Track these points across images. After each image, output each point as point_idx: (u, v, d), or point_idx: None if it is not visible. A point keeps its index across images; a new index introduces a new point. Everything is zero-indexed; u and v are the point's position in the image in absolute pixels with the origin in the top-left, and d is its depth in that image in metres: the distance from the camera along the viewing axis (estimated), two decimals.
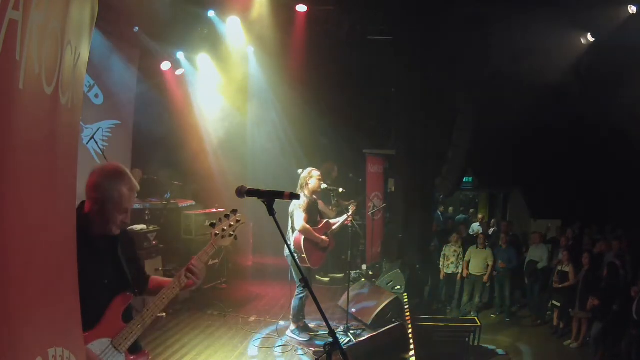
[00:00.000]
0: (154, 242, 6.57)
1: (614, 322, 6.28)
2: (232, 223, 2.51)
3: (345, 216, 5.82)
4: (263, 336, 5.83)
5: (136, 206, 6.88)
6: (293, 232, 5.49)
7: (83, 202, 2.17)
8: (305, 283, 2.18)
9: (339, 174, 8.71)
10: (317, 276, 8.26)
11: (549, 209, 10.60)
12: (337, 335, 2.11)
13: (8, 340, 1.10)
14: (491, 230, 10.92)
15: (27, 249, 1.21)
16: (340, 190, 5.97)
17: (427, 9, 8.04)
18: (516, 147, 9.86)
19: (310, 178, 5.55)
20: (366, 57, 9.38)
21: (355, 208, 6.05)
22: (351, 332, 5.91)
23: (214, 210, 8.31)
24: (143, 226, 6.38)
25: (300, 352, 5.41)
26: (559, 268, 7.60)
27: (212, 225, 2.48)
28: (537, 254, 8.41)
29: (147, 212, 7.37)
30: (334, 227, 5.75)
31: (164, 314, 2.00)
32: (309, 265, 5.45)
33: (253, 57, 9.52)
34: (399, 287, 7.84)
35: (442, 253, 9.02)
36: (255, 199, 2.13)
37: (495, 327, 7.99)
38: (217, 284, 7.87)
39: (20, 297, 1.17)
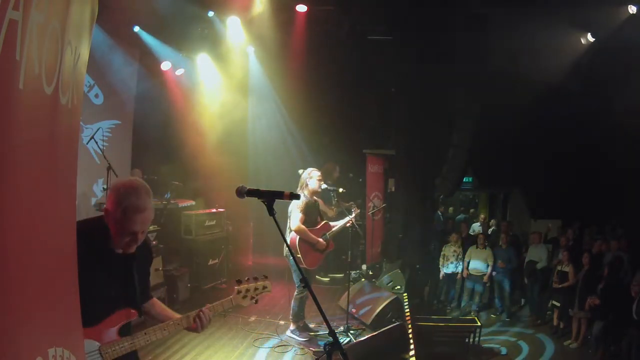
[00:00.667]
0: (154, 242, 6.58)
1: (614, 322, 6.28)
2: (258, 288, 2.53)
3: (347, 219, 5.80)
4: (263, 336, 5.83)
5: None
6: (290, 232, 5.49)
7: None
8: (305, 283, 2.18)
9: (339, 174, 8.71)
10: (317, 276, 8.27)
11: (549, 209, 10.60)
12: (337, 335, 2.11)
13: (8, 340, 1.10)
14: (491, 230, 10.92)
15: (27, 249, 1.21)
16: (340, 190, 5.97)
17: (427, 8, 8.03)
18: (516, 147, 9.86)
19: (310, 179, 5.55)
20: (366, 57, 9.38)
21: (358, 211, 6.04)
22: (351, 332, 5.91)
23: (214, 210, 8.32)
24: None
25: (300, 352, 5.41)
26: (559, 268, 7.60)
27: (239, 282, 2.49)
28: (537, 254, 8.41)
29: None
30: (333, 229, 5.74)
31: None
32: (304, 265, 5.46)
33: (253, 57, 9.53)
34: (399, 287, 7.85)
35: (442, 253, 9.02)
36: (255, 198, 2.13)
37: (495, 327, 7.99)
38: (217, 284, 7.88)
39: (20, 297, 1.17)
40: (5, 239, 1.10)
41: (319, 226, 5.63)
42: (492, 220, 12.13)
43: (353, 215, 5.83)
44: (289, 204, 5.48)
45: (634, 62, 7.68)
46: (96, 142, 6.91)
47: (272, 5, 8.04)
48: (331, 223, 5.83)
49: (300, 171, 5.79)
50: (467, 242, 9.11)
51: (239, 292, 2.46)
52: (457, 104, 9.56)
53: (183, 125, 9.13)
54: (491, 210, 14.32)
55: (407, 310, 6.69)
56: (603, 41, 7.92)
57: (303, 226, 5.39)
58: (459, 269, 8.81)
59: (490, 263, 8.51)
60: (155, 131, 8.54)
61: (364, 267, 9.51)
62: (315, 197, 5.69)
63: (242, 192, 2.17)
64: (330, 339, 2.05)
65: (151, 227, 6.62)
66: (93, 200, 7.44)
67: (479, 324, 6.86)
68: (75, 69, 1.55)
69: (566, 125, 9.24)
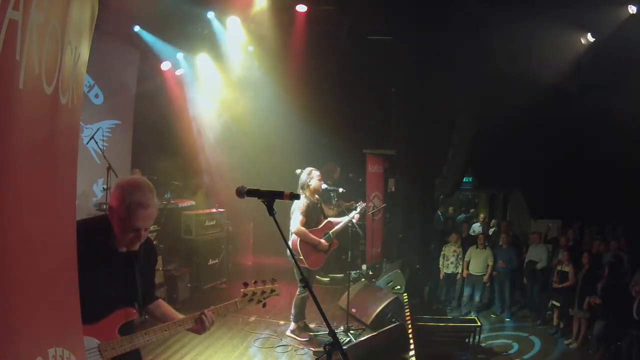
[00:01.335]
0: (154, 242, 6.56)
1: (615, 322, 6.28)
2: (266, 291, 2.47)
3: (352, 214, 5.77)
4: (263, 336, 5.83)
5: None
6: (291, 233, 5.48)
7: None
8: (305, 283, 2.18)
9: (339, 174, 8.71)
10: (317, 276, 8.27)
11: (549, 209, 10.60)
12: (337, 335, 2.11)
13: (8, 340, 1.10)
14: (491, 230, 10.92)
15: (27, 249, 1.21)
16: (340, 190, 5.96)
17: (427, 9, 8.03)
18: (516, 147, 9.86)
19: (311, 178, 5.54)
20: (366, 57, 9.38)
21: (364, 205, 6.04)
22: (351, 332, 5.91)
23: (214, 210, 8.32)
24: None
25: (300, 352, 5.41)
26: (559, 268, 7.61)
27: (245, 284, 2.44)
28: (537, 254, 8.41)
29: None
30: (336, 227, 5.72)
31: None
32: (307, 266, 5.45)
33: (253, 56, 9.53)
34: (399, 287, 7.84)
35: (442, 253, 9.02)
36: (255, 198, 2.12)
37: (495, 327, 8.00)
38: (217, 284, 7.88)
39: (20, 297, 1.17)
40: (5, 239, 1.10)
41: (321, 225, 5.61)
42: (492, 221, 12.13)
43: (358, 210, 5.81)
44: (290, 204, 5.46)
45: (634, 62, 7.68)
46: (96, 142, 6.91)
47: (272, 5, 8.04)
48: (334, 220, 5.80)
49: (298, 171, 5.76)
50: (467, 242, 9.11)
51: (245, 295, 2.42)
52: (457, 104, 9.56)
53: (183, 125, 9.14)
54: (491, 210, 14.32)
55: (407, 310, 6.69)
56: (603, 41, 7.92)
57: (303, 228, 5.37)
58: (459, 269, 8.81)
59: (491, 263, 8.51)
60: (155, 131, 8.55)
61: (364, 267, 9.50)
62: (316, 197, 5.68)
63: (242, 192, 2.16)
64: (330, 339, 2.05)
65: (151, 227, 6.59)
66: (93, 200, 7.44)
67: (479, 324, 6.86)
68: (75, 69, 1.55)
69: (566, 125, 9.24)
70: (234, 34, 8.72)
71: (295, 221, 5.36)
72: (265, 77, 9.71)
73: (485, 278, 8.56)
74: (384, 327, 5.64)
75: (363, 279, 8.31)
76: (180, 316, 2.35)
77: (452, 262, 8.85)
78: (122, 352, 2.05)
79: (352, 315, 6.39)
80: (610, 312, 6.38)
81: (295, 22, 8.46)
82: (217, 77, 9.50)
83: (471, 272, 8.66)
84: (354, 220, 5.75)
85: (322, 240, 5.52)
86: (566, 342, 7.18)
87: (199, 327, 2.29)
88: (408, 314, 6.54)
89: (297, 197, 2.17)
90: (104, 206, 1.77)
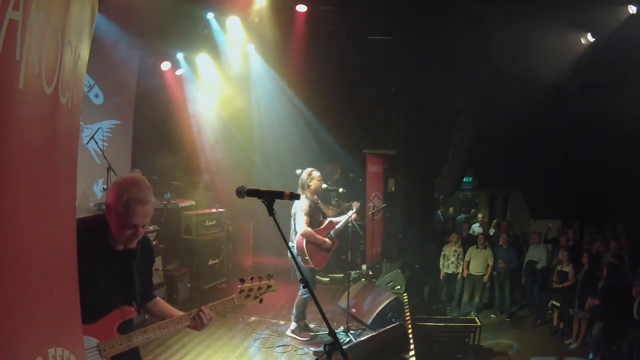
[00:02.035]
0: (154, 242, 6.57)
1: (615, 322, 6.28)
2: (262, 287, 2.47)
3: (349, 214, 5.79)
4: (263, 336, 5.83)
5: None
6: (295, 234, 5.48)
7: None
8: (305, 283, 2.18)
9: (339, 175, 8.71)
10: (317, 276, 8.26)
11: (549, 209, 10.60)
12: (337, 335, 2.11)
13: (8, 340, 1.10)
14: (491, 231, 10.92)
15: (27, 249, 1.21)
16: (340, 190, 5.97)
17: (427, 9, 8.03)
18: (516, 147, 9.86)
19: (312, 179, 5.54)
20: (366, 57, 9.38)
21: (359, 204, 6.05)
22: (351, 332, 5.91)
23: (214, 210, 8.32)
24: (147, 225, 6.38)
25: (300, 352, 5.41)
26: (559, 268, 7.61)
27: (242, 280, 2.45)
28: (537, 254, 8.41)
29: None
30: (337, 226, 5.74)
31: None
32: (312, 266, 5.45)
33: (253, 56, 9.52)
34: (399, 287, 7.85)
35: (442, 253, 9.03)
36: (255, 198, 2.13)
37: (495, 327, 8.00)
38: (217, 284, 7.88)
39: (21, 297, 1.17)
40: (5, 239, 1.10)
41: (323, 225, 5.62)
42: (493, 221, 12.13)
43: (354, 210, 5.83)
44: (290, 204, 5.46)
45: (634, 62, 7.68)
46: (96, 142, 6.90)
47: (272, 5, 8.04)
48: (334, 220, 5.82)
49: (299, 171, 5.77)
50: (467, 242, 9.12)
51: (241, 291, 2.43)
52: (457, 104, 9.56)
53: (183, 125, 9.14)
54: (491, 210, 14.32)
55: (407, 310, 6.69)
56: (603, 41, 7.92)
57: (309, 229, 5.37)
58: (460, 269, 8.81)
59: (491, 263, 8.52)
60: (155, 131, 8.54)
61: (364, 267, 9.51)
62: (316, 197, 5.69)
63: (242, 192, 2.17)
64: (330, 339, 2.05)
65: (151, 227, 6.62)
66: (93, 201, 7.43)
67: (479, 324, 6.87)
68: (75, 69, 1.55)
69: (566, 125, 9.25)
70: (234, 34, 8.72)
71: (301, 222, 5.36)
72: (265, 77, 9.71)
73: (485, 278, 8.56)
74: (384, 327, 5.64)
75: (363, 279, 8.31)
76: (180, 313, 2.35)
77: (452, 262, 8.85)
78: (121, 351, 2.05)
79: (352, 315, 6.39)
80: (610, 312, 6.38)
81: (295, 22, 8.46)
82: (217, 77, 9.49)
83: (471, 272, 8.66)
84: (349, 224, 5.77)
85: (327, 240, 5.54)
86: (566, 342, 7.18)
87: (197, 324, 2.30)
88: (408, 314, 6.55)
89: (297, 197, 2.17)
90: (104, 206, 1.77)
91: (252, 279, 2.47)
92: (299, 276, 5.26)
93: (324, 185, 5.66)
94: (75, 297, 1.61)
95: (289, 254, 5.32)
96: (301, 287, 5.53)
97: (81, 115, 1.69)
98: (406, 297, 7.34)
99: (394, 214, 10.31)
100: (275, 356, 5.32)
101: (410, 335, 5.60)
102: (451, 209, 15.21)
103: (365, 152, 10.19)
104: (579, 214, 9.63)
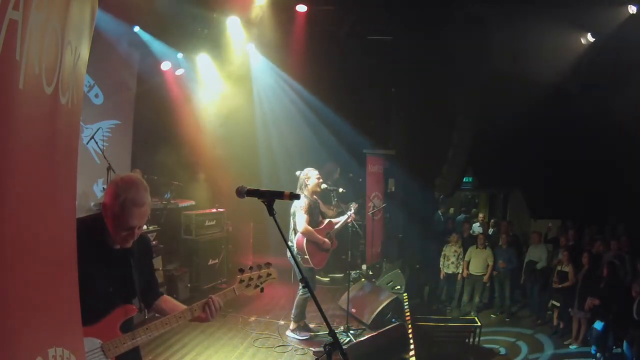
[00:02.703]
0: (154, 242, 6.57)
1: (615, 322, 6.28)
2: (262, 275, 2.45)
3: (347, 215, 5.81)
4: (263, 336, 5.83)
5: None
6: (295, 233, 5.49)
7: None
8: (305, 283, 2.18)
9: (339, 174, 8.70)
10: (317, 276, 8.26)
11: (549, 209, 10.60)
12: (337, 335, 2.11)
13: (8, 340, 1.10)
14: (491, 230, 10.92)
15: (27, 249, 1.21)
16: (340, 190, 5.97)
17: (427, 9, 8.03)
18: (516, 147, 9.87)
19: (309, 178, 5.55)
20: (366, 57, 9.38)
21: (357, 205, 6.05)
22: (351, 332, 5.91)
23: (214, 210, 8.32)
24: (143, 226, 6.38)
25: (300, 352, 5.41)
26: (559, 268, 7.61)
27: (241, 271, 2.43)
28: (537, 254, 8.41)
29: None
30: (336, 227, 5.75)
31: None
32: (312, 265, 5.46)
33: (253, 56, 9.52)
34: (399, 287, 7.85)
35: (442, 253, 9.03)
36: (255, 198, 2.13)
37: (495, 327, 8.00)
38: (217, 284, 7.88)
39: (21, 297, 1.17)
40: (5, 239, 1.10)
41: (322, 225, 5.62)
42: (492, 220, 12.12)
43: (352, 210, 5.83)
44: (290, 204, 5.47)
45: (634, 62, 7.68)
46: (96, 142, 6.90)
47: (272, 5, 8.03)
48: (333, 220, 5.84)
49: (298, 172, 5.78)
50: (468, 242, 9.12)
51: (241, 281, 2.40)
52: (457, 103, 9.56)
53: (183, 125, 9.13)
54: (491, 210, 14.31)
55: (407, 310, 6.69)
56: (603, 41, 7.91)
57: (309, 227, 5.38)
58: (460, 269, 8.81)
59: (491, 263, 8.52)
60: (155, 131, 8.54)
61: (364, 267, 9.50)
62: (315, 197, 5.69)
63: (242, 192, 2.17)
64: (330, 339, 2.05)
65: (151, 227, 6.62)
66: (93, 201, 7.43)
67: (479, 324, 6.87)
68: (75, 69, 1.55)
69: (566, 124, 9.24)
70: (234, 34, 8.71)
71: (301, 221, 5.37)
72: (265, 77, 9.71)
73: (485, 278, 8.56)
74: (384, 327, 5.64)
75: (363, 279, 8.31)
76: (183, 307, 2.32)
77: (452, 262, 8.85)
78: (125, 350, 2.05)
79: (352, 315, 6.39)
80: (610, 312, 6.38)
81: (295, 22, 8.45)
82: (217, 77, 9.49)
83: (471, 272, 8.66)
84: (349, 224, 5.77)
85: (327, 239, 5.54)
86: (566, 342, 7.18)
87: (207, 315, 2.25)
88: (408, 314, 6.55)
89: (297, 197, 2.17)
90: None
91: (251, 268, 2.45)
92: (298, 276, 5.29)
93: (324, 185, 5.66)
94: (75, 297, 1.61)
95: (288, 253, 5.36)
96: (301, 286, 5.54)
97: (81, 115, 1.69)
98: (406, 297, 7.34)
99: (394, 214, 10.31)
100: (275, 356, 5.32)
101: (410, 335, 5.61)
102: (451, 209, 15.21)
103: (365, 152, 10.19)
104: (579, 214, 9.63)
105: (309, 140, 9.95)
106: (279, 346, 5.54)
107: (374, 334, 5.42)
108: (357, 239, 8.62)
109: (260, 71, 9.66)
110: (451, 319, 8.10)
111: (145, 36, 8.10)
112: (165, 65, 8.86)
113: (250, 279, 2.42)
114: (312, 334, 5.83)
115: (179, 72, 9.23)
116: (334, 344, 2.04)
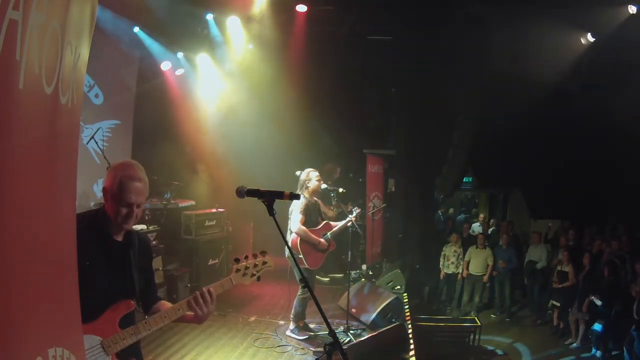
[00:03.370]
0: (154, 242, 6.57)
1: (615, 322, 6.28)
2: (258, 264, 2.44)
3: (348, 218, 5.80)
4: (263, 336, 5.83)
5: None
6: (290, 233, 5.49)
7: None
8: (305, 283, 2.18)
9: (339, 175, 8.70)
10: (317, 276, 8.27)
11: (549, 209, 10.60)
12: (337, 335, 2.11)
13: (8, 340, 1.10)
14: (491, 230, 10.92)
15: (27, 249, 1.21)
16: (340, 190, 5.97)
17: (427, 9, 8.03)
18: (516, 147, 9.86)
19: (310, 180, 5.55)
20: (366, 57, 9.38)
21: (359, 210, 6.04)
22: (351, 332, 5.91)
23: (214, 210, 8.31)
24: (143, 226, 6.39)
25: (300, 352, 5.41)
26: (559, 268, 7.61)
27: (237, 260, 2.41)
28: (537, 254, 8.41)
29: (147, 212, 7.37)
30: (334, 229, 5.74)
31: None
32: (306, 266, 5.46)
33: (253, 56, 9.52)
34: (399, 287, 7.85)
35: (442, 253, 9.03)
36: (255, 198, 2.13)
37: (495, 327, 8.00)
38: None
39: (21, 296, 1.17)
40: (5, 239, 1.10)
41: (319, 226, 5.63)
42: (492, 220, 12.12)
43: (354, 214, 5.83)
44: (290, 204, 5.48)
45: (634, 62, 7.68)
46: (96, 142, 6.90)
47: (272, 5, 8.03)
48: (332, 223, 5.83)
49: (298, 172, 5.78)
50: (468, 242, 9.12)
51: (237, 270, 2.39)
52: (457, 103, 9.56)
53: (183, 125, 9.13)
54: (491, 210, 14.31)
55: (407, 310, 6.69)
56: (603, 41, 7.92)
57: (303, 227, 5.39)
58: (460, 269, 8.81)
59: (490, 263, 8.52)
60: (155, 131, 8.53)
61: (364, 267, 9.50)
62: (315, 198, 5.69)
63: (242, 192, 2.17)
64: (330, 339, 2.05)
65: (151, 227, 6.62)
66: (93, 201, 7.43)
67: (479, 324, 6.87)
68: (75, 69, 1.55)
69: (566, 124, 9.24)
70: (234, 34, 8.71)
71: (296, 220, 5.38)
72: (265, 78, 9.70)
73: (485, 278, 8.56)
74: (384, 327, 5.64)
75: (363, 279, 8.31)
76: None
77: (452, 262, 8.85)
78: (125, 345, 2.05)
79: (352, 315, 6.39)
80: (609, 312, 6.38)
81: (295, 22, 8.45)
82: (217, 77, 9.49)
83: (471, 272, 8.66)
84: (349, 225, 5.77)
85: (322, 240, 5.53)
86: (566, 342, 7.18)
87: (196, 309, 2.21)
88: (408, 314, 6.54)
89: (297, 197, 2.18)
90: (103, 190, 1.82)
91: (246, 257, 2.44)
92: (298, 276, 5.29)
93: (324, 185, 5.66)
94: (76, 296, 1.61)
95: (287, 253, 5.37)
96: (300, 287, 5.54)
97: (81, 115, 1.69)
98: (406, 297, 7.34)
99: (394, 214, 10.31)
100: (275, 356, 5.32)
101: (410, 335, 5.60)
102: (451, 209, 15.22)
103: (365, 152, 10.18)
104: (579, 214, 9.63)
105: (309, 140, 9.95)
106: (279, 346, 5.54)
107: (374, 334, 5.42)
108: (357, 239, 8.62)
109: (259, 72, 9.65)
110: (451, 319, 8.09)
111: (145, 36, 8.10)
112: (165, 65, 8.86)
113: (247, 267, 2.41)
114: (312, 334, 5.83)
115: (179, 72, 9.23)
116: (334, 344, 2.04)
